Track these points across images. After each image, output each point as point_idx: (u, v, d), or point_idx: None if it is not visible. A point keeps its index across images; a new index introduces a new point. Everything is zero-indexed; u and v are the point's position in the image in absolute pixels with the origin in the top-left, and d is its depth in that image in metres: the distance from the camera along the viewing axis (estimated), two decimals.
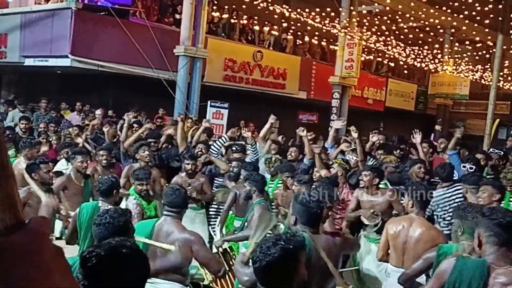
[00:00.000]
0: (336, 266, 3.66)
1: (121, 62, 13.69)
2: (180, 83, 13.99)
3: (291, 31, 18.88)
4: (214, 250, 5.36)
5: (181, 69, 14.10)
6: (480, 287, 2.81)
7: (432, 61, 21.23)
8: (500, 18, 18.24)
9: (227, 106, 13.33)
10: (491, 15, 17.76)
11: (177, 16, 15.22)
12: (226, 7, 17.18)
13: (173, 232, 4.10)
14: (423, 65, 21.11)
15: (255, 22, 17.90)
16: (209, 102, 13.42)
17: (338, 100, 18.15)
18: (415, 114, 24.02)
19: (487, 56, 22.83)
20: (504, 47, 18.72)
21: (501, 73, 21.59)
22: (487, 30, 20.04)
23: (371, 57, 21.13)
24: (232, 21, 17.23)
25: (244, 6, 16.94)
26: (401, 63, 21.21)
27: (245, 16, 17.59)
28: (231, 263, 5.14)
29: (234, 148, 8.39)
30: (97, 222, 3.45)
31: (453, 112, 25.34)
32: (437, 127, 17.59)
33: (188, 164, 7.13)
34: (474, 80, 22.75)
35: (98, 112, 12.28)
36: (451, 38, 22.63)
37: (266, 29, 18.20)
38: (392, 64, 22.06)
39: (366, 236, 6.15)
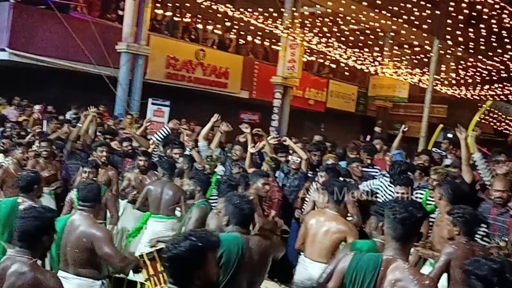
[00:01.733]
0: (266, 266, 3.83)
1: (61, 57, 13.51)
2: (121, 80, 13.93)
3: (234, 30, 19.02)
4: (148, 249, 5.31)
5: (123, 66, 14.04)
6: (374, 278, 2.90)
7: (372, 64, 21.79)
8: (436, 23, 18.94)
9: (169, 104, 13.34)
10: (429, 20, 18.41)
11: (120, 13, 15.12)
12: (170, 5, 17.16)
13: (81, 225, 4.11)
14: (364, 67, 21.66)
15: (198, 20, 17.94)
16: (150, 99, 13.38)
17: (279, 100, 18.42)
18: (355, 116, 24.62)
19: (425, 60, 23.63)
20: (441, 51, 19.45)
21: (438, 77, 22.43)
22: (425, 34, 20.78)
23: (313, 58, 21.50)
24: (176, 19, 17.23)
25: (187, 4, 16.98)
26: (342, 65, 21.69)
27: (188, 15, 17.62)
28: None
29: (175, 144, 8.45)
30: (22, 215, 3.38)
31: (392, 114, 26.03)
32: (377, 129, 18.13)
33: (141, 160, 7.21)
34: (412, 83, 23.51)
35: (37, 107, 12.06)
36: (391, 41, 23.30)
37: (209, 28, 18.28)
38: (334, 66, 22.51)
39: None
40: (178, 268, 2.56)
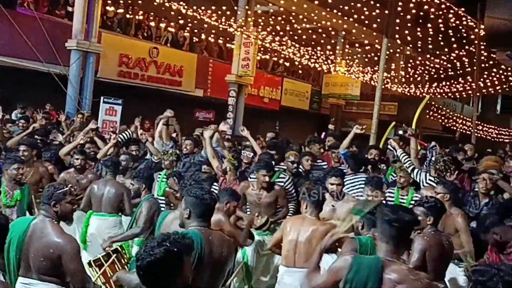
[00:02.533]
0: (230, 261, 3.72)
1: (7, 55, 13.18)
2: (72, 78, 13.65)
3: (187, 28, 18.90)
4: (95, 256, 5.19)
5: (73, 63, 13.74)
6: (376, 283, 2.90)
7: (325, 62, 22.09)
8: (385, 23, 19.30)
9: (121, 103, 13.12)
10: (378, 19, 18.73)
11: (69, 9, 14.81)
12: (122, 1, 16.89)
13: (48, 234, 3.83)
14: (317, 65, 21.92)
15: (151, 18, 17.74)
16: (102, 98, 13.14)
17: (234, 98, 18.43)
18: (309, 113, 24.88)
19: (376, 58, 24.11)
20: (391, 50, 19.86)
21: (388, 75, 22.91)
22: (375, 33, 21.15)
23: (267, 56, 21.61)
24: (128, 16, 16.98)
25: (140, 2, 16.76)
26: (296, 63, 21.88)
27: (141, 12, 17.39)
28: (123, 261, 5.09)
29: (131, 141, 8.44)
30: None
31: (345, 111, 26.45)
32: (330, 126, 18.35)
33: (77, 159, 6.96)
34: (364, 81, 23.94)
35: None
36: (342, 40, 23.65)
37: (162, 25, 18.10)
38: (288, 64, 22.68)
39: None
40: (154, 276, 2.46)
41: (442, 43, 19.92)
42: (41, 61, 13.20)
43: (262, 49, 19.98)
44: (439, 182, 5.72)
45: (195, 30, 19.24)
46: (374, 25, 19.64)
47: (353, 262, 3.00)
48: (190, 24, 18.71)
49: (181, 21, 18.31)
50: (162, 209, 6.01)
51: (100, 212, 6.24)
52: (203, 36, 19.39)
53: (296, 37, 21.29)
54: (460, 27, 19.63)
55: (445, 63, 22.29)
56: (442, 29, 18.85)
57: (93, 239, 6.09)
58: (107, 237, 5.73)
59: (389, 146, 9.55)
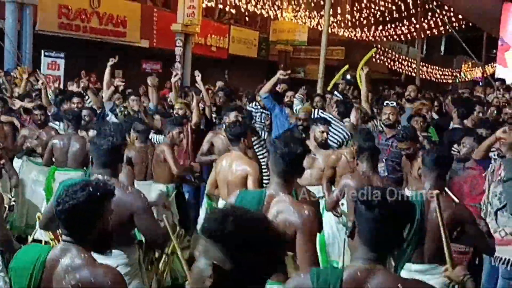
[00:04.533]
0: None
1: None
2: (8, 32, 13.10)
3: None
4: None
5: (9, 16, 13.16)
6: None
7: (272, 8, 21.90)
8: None
9: (63, 56, 12.69)
10: None
11: None
12: None
13: None
14: (264, 12, 21.70)
15: None
16: (42, 51, 12.67)
17: (181, 48, 18.08)
18: (258, 61, 24.77)
19: (322, 2, 24.00)
20: None
21: (335, 20, 22.93)
22: None
23: (213, 4, 21.18)
24: None
25: None
26: (243, 10, 21.59)
27: None
28: None
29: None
30: None
31: (294, 58, 26.47)
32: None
33: (36, 114, 6.89)
34: (311, 27, 23.91)
35: None
36: None
37: None
38: (234, 11, 22.34)
39: None
40: (75, 219, 2.49)
41: None
42: None
43: None
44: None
45: None
46: None
47: (238, 196, 3.14)
48: None
49: None
50: None
51: (65, 167, 6.16)
52: None
53: None
54: None
55: (389, 5, 22.48)
56: None
57: None
58: None
59: (336, 93, 9.61)
